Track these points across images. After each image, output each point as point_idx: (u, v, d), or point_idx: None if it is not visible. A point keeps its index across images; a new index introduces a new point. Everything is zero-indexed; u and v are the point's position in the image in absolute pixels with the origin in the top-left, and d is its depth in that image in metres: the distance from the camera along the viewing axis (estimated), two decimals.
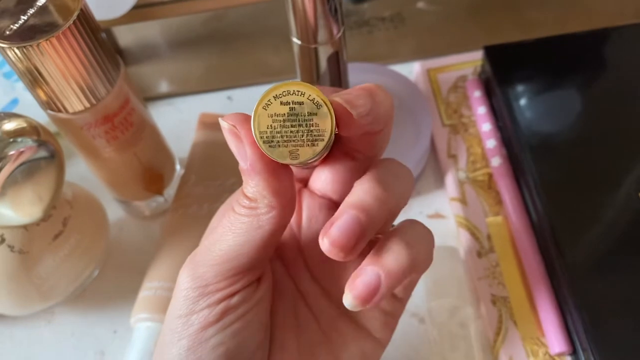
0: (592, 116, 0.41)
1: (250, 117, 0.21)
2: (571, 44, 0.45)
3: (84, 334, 0.40)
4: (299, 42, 0.33)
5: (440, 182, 0.44)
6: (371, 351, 0.26)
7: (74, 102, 0.32)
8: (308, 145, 0.20)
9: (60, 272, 0.37)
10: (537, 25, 0.50)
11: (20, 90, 0.46)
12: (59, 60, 0.30)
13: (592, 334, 0.33)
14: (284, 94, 0.20)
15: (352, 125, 0.21)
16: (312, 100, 0.20)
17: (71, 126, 0.34)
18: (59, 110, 0.33)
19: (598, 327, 0.33)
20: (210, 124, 0.44)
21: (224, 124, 0.21)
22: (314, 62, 0.34)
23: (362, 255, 0.23)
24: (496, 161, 0.42)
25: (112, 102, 0.34)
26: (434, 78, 0.47)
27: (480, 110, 0.44)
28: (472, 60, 0.47)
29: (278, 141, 0.20)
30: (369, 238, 0.22)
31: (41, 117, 0.34)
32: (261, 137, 0.20)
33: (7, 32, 0.29)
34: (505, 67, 0.43)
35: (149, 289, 0.37)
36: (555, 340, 0.35)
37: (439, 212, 0.42)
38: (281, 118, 0.20)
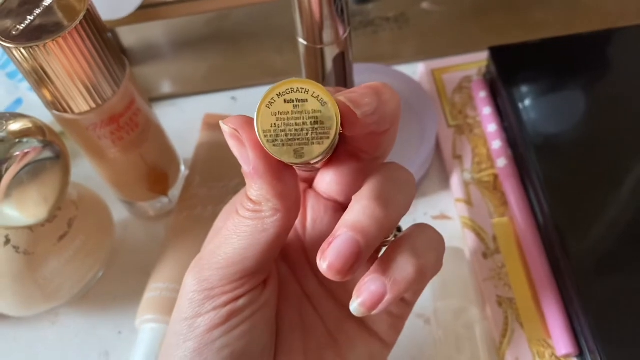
0: (597, 116, 0.41)
1: (251, 119, 0.20)
2: (576, 45, 0.45)
3: (89, 335, 0.40)
4: (305, 42, 0.33)
5: (445, 183, 0.43)
6: (378, 353, 0.26)
7: (80, 103, 0.32)
8: (313, 143, 0.20)
9: (65, 273, 0.37)
10: (542, 26, 0.50)
11: (24, 90, 0.46)
12: (65, 60, 0.30)
13: (599, 336, 0.33)
14: (288, 91, 0.20)
15: (356, 125, 0.21)
16: (317, 97, 0.20)
17: (77, 127, 0.34)
18: (65, 111, 0.32)
19: (605, 328, 0.33)
20: (214, 124, 0.44)
21: (225, 128, 0.21)
22: (319, 63, 0.34)
23: (371, 259, 0.23)
24: (502, 162, 0.41)
25: (118, 103, 0.34)
26: (438, 78, 0.47)
27: (486, 110, 0.44)
28: (477, 61, 0.47)
29: (282, 140, 0.20)
30: (368, 257, 0.21)
31: (45, 117, 0.34)
32: (265, 136, 0.20)
33: (14, 33, 0.29)
34: (510, 68, 0.43)
35: (154, 290, 0.37)
36: (561, 342, 0.35)
37: (445, 213, 0.42)
38: (285, 116, 0.20)
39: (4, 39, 0.29)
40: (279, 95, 0.20)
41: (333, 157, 0.25)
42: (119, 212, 0.43)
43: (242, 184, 0.41)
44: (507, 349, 0.36)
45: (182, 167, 0.44)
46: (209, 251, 0.23)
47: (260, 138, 0.20)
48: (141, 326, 0.37)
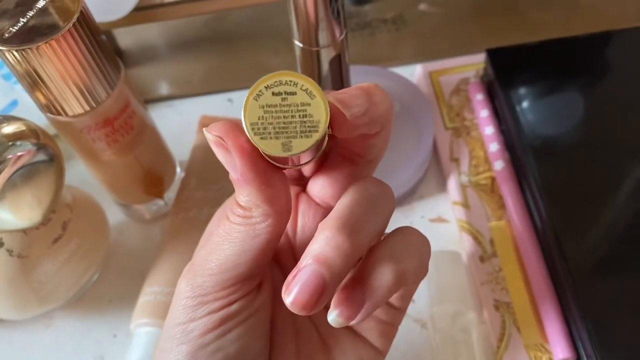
0: (595, 119, 0.41)
1: (235, 124, 0.20)
2: (574, 47, 0.44)
3: (84, 338, 0.40)
4: (301, 45, 0.33)
5: (442, 186, 0.43)
6: (370, 359, 0.26)
7: (74, 105, 0.32)
8: (302, 136, 0.19)
9: (59, 276, 0.37)
10: (540, 28, 0.50)
11: (20, 91, 0.46)
12: (58, 63, 0.29)
13: (596, 340, 0.33)
14: (276, 84, 0.19)
15: (345, 126, 0.20)
16: (305, 90, 0.19)
17: (71, 129, 0.34)
18: (59, 114, 0.32)
19: (603, 333, 0.33)
20: None
21: (209, 136, 0.20)
22: (316, 65, 0.34)
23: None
24: (499, 165, 0.41)
25: (112, 106, 0.33)
26: (436, 80, 0.46)
27: (483, 113, 0.44)
28: (474, 63, 0.47)
29: (270, 133, 0.19)
30: (336, 288, 0.21)
31: (41, 119, 0.34)
32: (252, 129, 0.19)
33: (6, 35, 0.28)
34: (507, 70, 0.43)
35: (149, 293, 0.37)
36: (559, 346, 0.35)
37: (442, 216, 0.42)
38: (273, 109, 0.19)
39: None
40: (267, 87, 0.19)
41: (325, 161, 0.25)
42: (114, 214, 0.43)
43: None
44: (504, 353, 0.36)
45: (178, 169, 0.44)
46: (201, 257, 0.23)
47: (248, 131, 0.19)
48: (136, 330, 0.37)
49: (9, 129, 0.31)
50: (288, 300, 0.20)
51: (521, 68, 0.43)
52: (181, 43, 0.53)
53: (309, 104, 0.19)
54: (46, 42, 0.28)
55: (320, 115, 0.19)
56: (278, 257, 0.27)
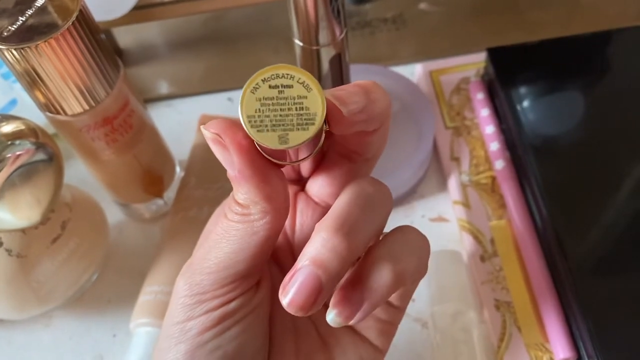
0: (596, 118, 0.41)
1: (233, 122, 0.20)
2: (574, 46, 0.44)
3: (83, 338, 0.39)
4: (301, 44, 0.33)
5: (443, 185, 0.43)
6: (370, 358, 0.26)
7: (73, 105, 0.32)
8: (298, 129, 0.19)
9: (58, 275, 0.37)
10: (540, 27, 0.50)
11: (19, 90, 0.46)
12: (57, 62, 0.29)
13: (597, 340, 0.33)
14: (273, 77, 0.19)
15: (342, 123, 0.20)
16: (302, 83, 0.19)
17: (70, 128, 0.33)
18: (58, 113, 0.32)
19: (603, 332, 0.33)
20: None
21: (206, 133, 0.20)
22: (316, 64, 0.34)
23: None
24: (500, 164, 0.41)
25: (112, 105, 0.33)
26: (436, 80, 0.46)
27: (484, 112, 0.43)
28: (475, 62, 0.46)
29: (267, 125, 0.19)
30: (333, 289, 0.21)
31: (40, 118, 0.33)
32: (249, 122, 0.19)
33: (5, 34, 0.28)
34: (508, 69, 0.43)
35: (149, 293, 0.37)
36: (560, 346, 0.35)
37: (442, 215, 0.42)
38: (270, 102, 0.19)
39: None
40: (264, 80, 0.19)
41: (323, 159, 0.25)
42: (113, 214, 0.43)
43: None
44: (505, 353, 0.36)
45: (178, 169, 0.44)
46: (199, 256, 0.23)
47: (245, 123, 0.19)
48: (136, 329, 0.37)
49: (8, 128, 0.30)
50: (285, 302, 0.20)
51: (522, 67, 0.43)
52: (181, 42, 0.53)
53: (306, 97, 0.19)
54: (45, 41, 0.28)
55: (317, 108, 0.19)
56: (277, 255, 0.26)
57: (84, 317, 0.40)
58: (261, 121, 0.19)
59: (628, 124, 0.40)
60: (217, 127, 0.20)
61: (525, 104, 0.41)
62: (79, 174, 0.43)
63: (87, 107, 0.32)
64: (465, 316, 0.36)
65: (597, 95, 0.42)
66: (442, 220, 0.42)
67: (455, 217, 0.41)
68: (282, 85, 0.19)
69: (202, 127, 0.21)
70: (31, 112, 0.35)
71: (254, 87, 0.19)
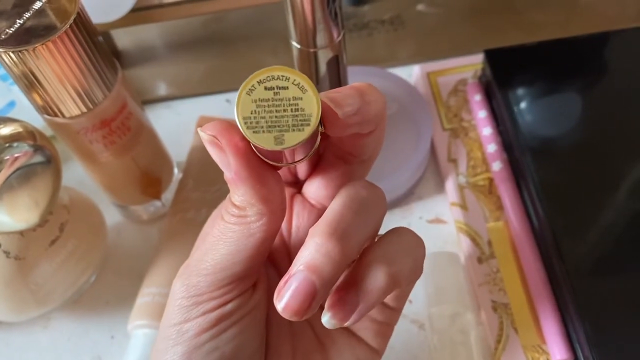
0: (593, 120, 0.41)
1: (230, 124, 0.20)
2: (572, 48, 0.44)
3: (81, 340, 0.39)
4: (298, 46, 0.33)
5: (440, 187, 0.43)
6: (366, 359, 0.26)
7: (71, 107, 0.32)
8: (294, 130, 0.19)
9: (56, 277, 0.37)
10: (538, 28, 0.50)
11: (17, 92, 0.46)
12: (55, 64, 0.29)
13: (594, 341, 0.33)
14: (268, 79, 0.20)
15: (337, 125, 0.21)
16: (297, 84, 0.20)
17: (68, 131, 0.33)
18: (56, 115, 0.32)
19: (600, 334, 0.33)
20: None
21: (203, 135, 0.21)
22: (313, 67, 0.34)
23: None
24: (497, 166, 0.41)
25: (110, 107, 0.33)
26: (434, 81, 0.46)
27: (481, 114, 0.44)
28: (472, 64, 0.47)
29: (262, 126, 0.19)
30: (327, 293, 0.21)
31: (38, 120, 0.34)
32: (245, 123, 0.19)
33: (3, 36, 0.28)
34: (505, 71, 0.43)
35: (146, 295, 0.37)
36: (556, 347, 0.35)
37: (439, 217, 0.42)
38: (265, 103, 0.19)
39: None
40: (259, 82, 0.20)
41: (319, 162, 0.25)
42: (111, 215, 0.43)
43: None
44: (502, 354, 0.36)
45: (176, 170, 0.44)
46: (196, 258, 0.23)
47: (240, 125, 0.19)
48: (133, 331, 0.37)
49: (5, 130, 0.30)
50: (279, 306, 0.20)
51: (519, 69, 0.43)
52: (179, 44, 0.53)
53: (301, 98, 0.20)
54: (43, 44, 0.28)
55: (312, 109, 0.20)
56: (273, 257, 0.27)
57: (82, 319, 0.40)
58: (257, 122, 0.19)
59: (626, 126, 0.40)
60: (213, 129, 0.20)
61: (523, 105, 0.41)
62: (77, 176, 0.43)
63: (84, 110, 0.32)
64: (462, 318, 0.36)
65: (595, 97, 0.42)
66: (439, 222, 0.42)
67: (453, 219, 0.42)
68: (277, 87, 0.20)
69: (199, 129, 0.21)
70: (29, 114, 0.35)
71: (249, 89, 0.20)
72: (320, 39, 0.32)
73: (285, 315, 0.20)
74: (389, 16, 0.52)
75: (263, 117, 0.19)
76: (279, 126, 0.19)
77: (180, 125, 0.48)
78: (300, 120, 0.19)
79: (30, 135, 0.31)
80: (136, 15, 0.43)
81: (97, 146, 0.35)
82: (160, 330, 0.24)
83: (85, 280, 0.39)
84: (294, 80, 0.20)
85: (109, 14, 0.40)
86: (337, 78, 0.35)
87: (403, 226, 0.24)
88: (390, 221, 0.41)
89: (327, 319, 0.21)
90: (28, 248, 0.34)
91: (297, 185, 0.26)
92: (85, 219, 0.39)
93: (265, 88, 0.20)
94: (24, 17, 0.29)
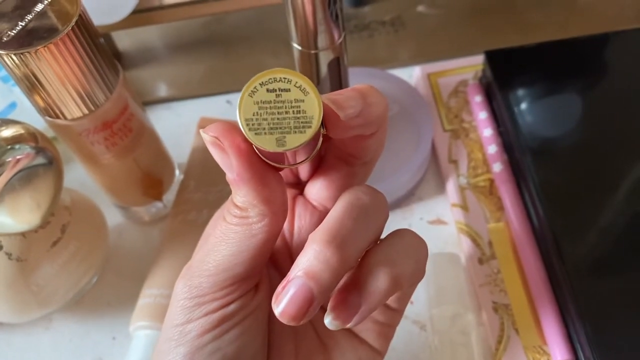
0: (594, 121, 0.41)
1: (232, 125, 0.20)
2: (572, 49, 0.44)
3: (83, 341, 0.40)
4: (299, 47, 0.33)
5: (441, 188, 0.43)
6: (369, 359, 0.26)
7: (72, 109, 0.32)
8: (295, 132, 0.20)
9: (58, 279, 0.37)
10: (538, 29, 0.50)
11: (19, 94, 0.46)
12: (57, 66, 0.29)
13: (595, 342, 0.33)
14: (270, 81, 0.20)
15: (339, 127, 0.21)
16: (299, 87, 0.20)
17: (69, 133, 0.34)
18: (57, 117, 0.32)
19: (601, 335, 0.33)
20: None
21: (205, 137, 0.21)
22: (314, 68, 0.34)
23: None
24: (497, 167, 0.41)
25: (111, 109, 0.33)
26: (434, 82, 0.46)
27: (481, 115, 0.44)
28: (472, 65, 0.47)
29: (264, 128, 0.20)
30: (325, 299, 0.21)
31: (39, 122, 0.34)
32: (247, 125, 0.20)
33: (5, 39, 0.28)
34: (506, 72, 0.43)
35: (148, 296, 0.37)
36: (557, 348, 0.35)
37: (440, 218, 0.42)
38: (267, 105, 0.20)
39: None
40: (261, 84, 0.20)
41: (321, 163, 0.25)
42: (113, 217, 0.43)
43: None
44: (503, 355, 0.36)
45: (177, 172, 0.44)
46: (198, 259, 0.23)
47: (242, 127, 0.20)
48: (135, 332, 0.37)
49: (7, 132, 0.31)
50: (277, 311, 0.21)
51: (519, 70, 0.43)
52: (180, 45, 0.53)
53: (303, 100, 0.20)
54: (44, 46, 0.28)
55: (314, 111, 0.20)
56: (275, 258, 0.27)
57: (83, 320, 0.40)
58: (259, 124, 0.20)
59: (625, 127, 0.40)
60: (216, 131, 0.20)
61: (523, 106, 0.42)
62: (79, 177, 0.43)
63: (86, 112, 0.32)
64: (463, 319, 0.36)
65: (595, 98, 0.42)
66: (440, 223, 0.42)
67: (453, 220, 0.42)
68: (279, 89, 0.20)
69: (201, 130, 0.21)
70: (30, 115, 0.35)
71: (251, 91, 0.20)
72: (321, 40, 0.32)
73: (283, 320, 0.21)
74: (389, 17, 0.52)
75: (265, 119, 0.20)
76: (280, 128, 0.20)
77: (181, 126, 0.48)
78: (302, 122, 0.20)
79: (32, 137, 0.31)
80: (137, 17, 0.43)
81: (98, 148, 0.35)
82: (162, 331, 0.24)
83: (86, 282, 0.40)
84: (296, 82, 0.20)
85: (111, 16, 0.40)
86: (338, 80, 0.35)
87: (405, 228, 0.24)
88: (391, 222, 0.41)
89: (329, 321, 0.22)
90: (30, 249, 0.34)
91: (299, 186, 0.26)
92: (87, 220, 0.39)
93: (267, 90, 0.20)
94: (26, 19, 0.29)
